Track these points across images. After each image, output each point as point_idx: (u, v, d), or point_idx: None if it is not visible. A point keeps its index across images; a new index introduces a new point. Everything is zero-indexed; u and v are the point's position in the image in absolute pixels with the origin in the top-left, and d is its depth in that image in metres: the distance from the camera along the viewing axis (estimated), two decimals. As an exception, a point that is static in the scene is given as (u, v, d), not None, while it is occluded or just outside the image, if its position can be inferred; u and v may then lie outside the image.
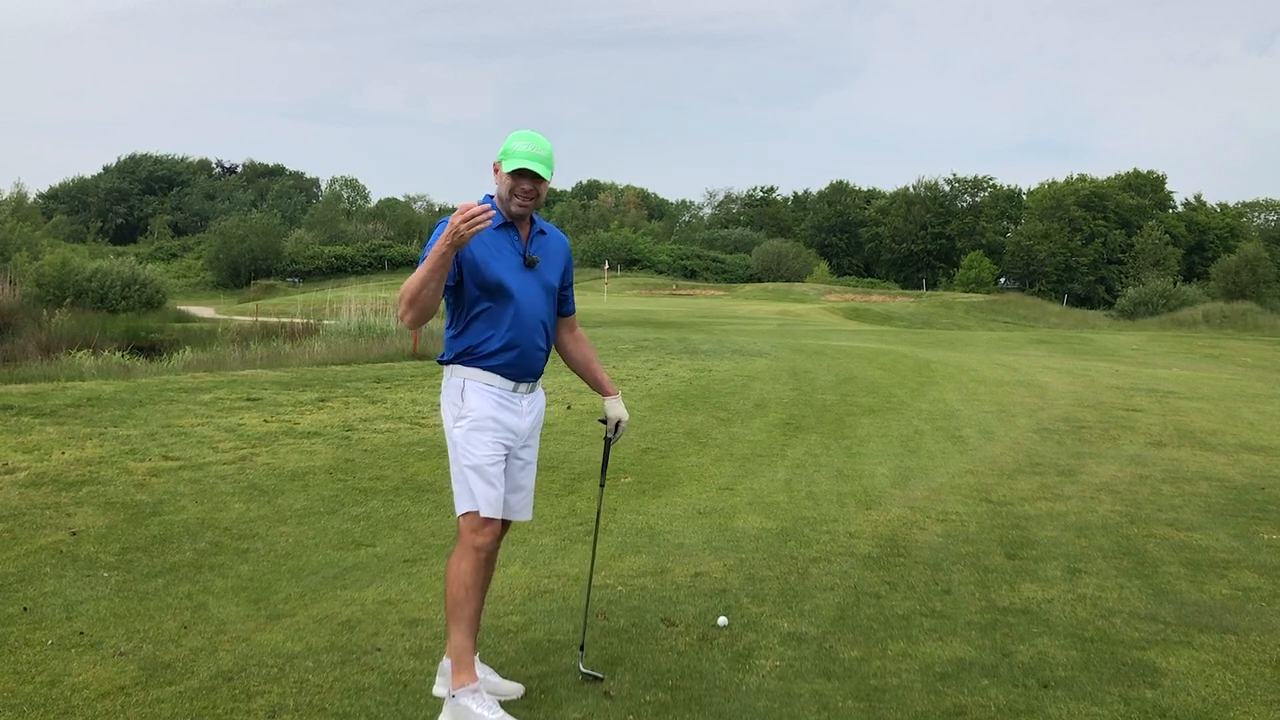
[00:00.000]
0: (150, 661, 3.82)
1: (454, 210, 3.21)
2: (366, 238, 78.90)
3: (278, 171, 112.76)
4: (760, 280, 73.17)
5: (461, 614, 3.46)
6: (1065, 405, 11.93)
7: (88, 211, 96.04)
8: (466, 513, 3.49)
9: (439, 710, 3.43)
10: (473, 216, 3.13)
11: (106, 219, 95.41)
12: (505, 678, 3.71)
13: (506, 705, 3.50)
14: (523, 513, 3.71)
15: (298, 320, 23.93)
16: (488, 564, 3.66)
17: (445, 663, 3.55)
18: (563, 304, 3.77)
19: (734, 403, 11.27)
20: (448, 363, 3.56)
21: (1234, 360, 22.42)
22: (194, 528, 5.71)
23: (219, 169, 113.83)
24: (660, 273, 76.79)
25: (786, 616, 4.47)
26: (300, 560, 5.23)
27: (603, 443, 3.93)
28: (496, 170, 3.52)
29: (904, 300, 55.53)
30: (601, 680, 3.73)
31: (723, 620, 4.36)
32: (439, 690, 3.56)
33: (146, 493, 6.37)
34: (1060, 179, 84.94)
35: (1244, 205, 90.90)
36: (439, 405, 3.63)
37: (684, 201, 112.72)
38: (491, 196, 3.57)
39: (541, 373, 3.65)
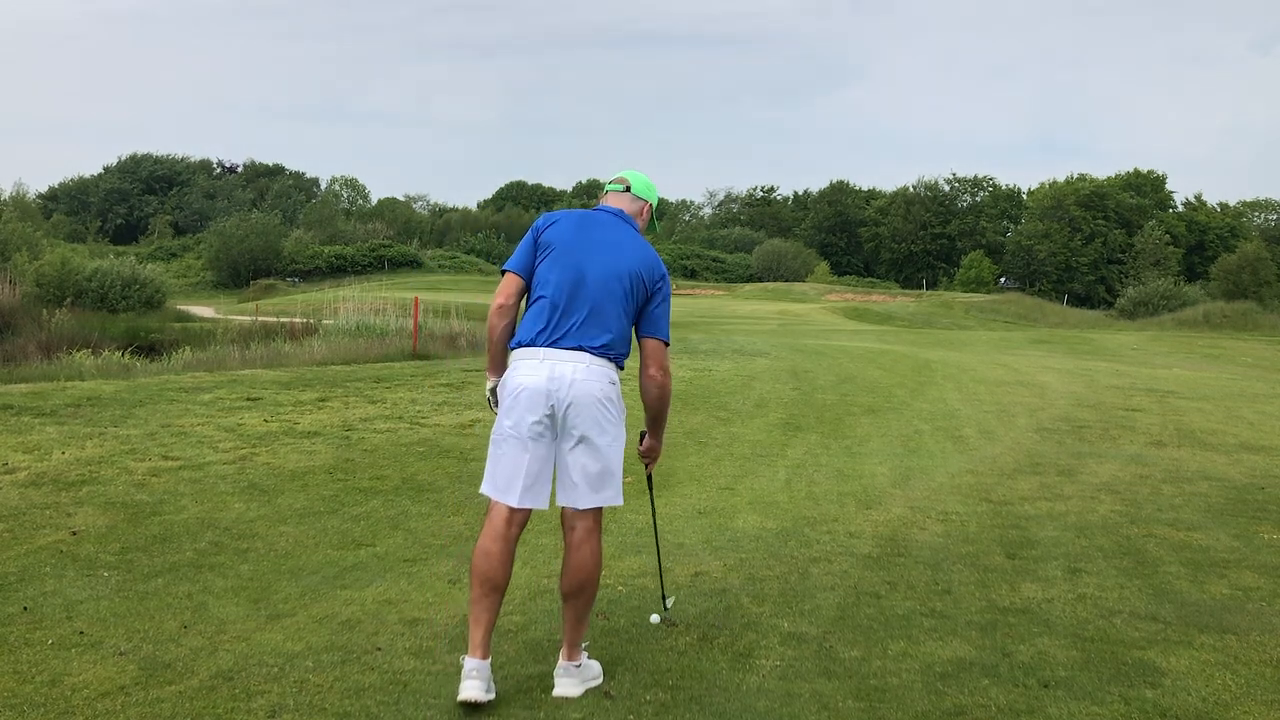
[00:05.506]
0: (150, 661, 3.82)
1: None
2: (366, 237, 78.83)
3: (278, 171, 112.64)
4: (760, 280, 73.19)
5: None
6: (1065, 405, 11.93)
7: (88, 211, 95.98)
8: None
9: (440, 710, 3.43)
10: None
11: (106, 219, 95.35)
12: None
13: (506, 701, 3.51)
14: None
15: (298, 320, 23.86)
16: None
17: (563, 664, 3.66)
18: None
19: (734, 402, 11.27)
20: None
21: (1234, 360, 22.42)
22: (194, 527, 5.71)
23: (219, 169, 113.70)
24: (660, 272, 76.60)
25: (786, 616, 4.47)
26: (300, 560, 5.23)
27: None
28: (650, 210, 4.18)
29: (904, 300, 55.49)
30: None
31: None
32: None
33: (146, 492, 6.37)
34: (1061, 178, 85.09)
35: (1244, 205, 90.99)
36: (608, 400, 3.72)
37: (684, 201, 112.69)
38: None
39: None
